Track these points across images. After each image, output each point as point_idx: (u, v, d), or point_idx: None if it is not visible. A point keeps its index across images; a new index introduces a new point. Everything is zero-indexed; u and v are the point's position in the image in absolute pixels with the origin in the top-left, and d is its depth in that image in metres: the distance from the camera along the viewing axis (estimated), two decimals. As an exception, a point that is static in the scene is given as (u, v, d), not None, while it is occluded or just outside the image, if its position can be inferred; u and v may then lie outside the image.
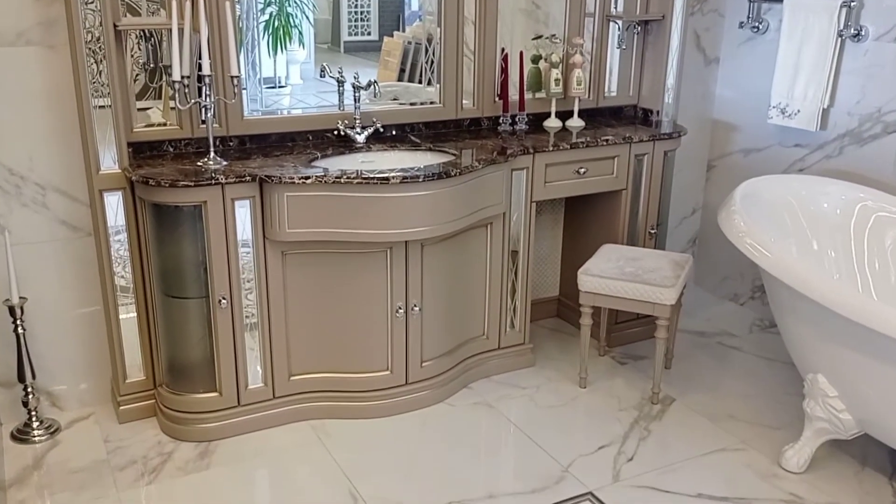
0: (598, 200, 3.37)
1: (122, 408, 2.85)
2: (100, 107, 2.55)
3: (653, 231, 3.42)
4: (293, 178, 2.55)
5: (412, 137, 3.14)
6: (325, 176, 2.57)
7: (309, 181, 2.55)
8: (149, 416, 2.88)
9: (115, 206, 2.66)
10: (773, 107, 3.50)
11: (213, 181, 2.52)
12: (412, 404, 2.95)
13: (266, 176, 2.55)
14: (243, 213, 2.61)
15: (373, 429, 2.85)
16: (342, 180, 2.56)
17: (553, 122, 3.39)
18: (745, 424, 2.91)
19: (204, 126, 2.77)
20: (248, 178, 2.56)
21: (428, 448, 2.75)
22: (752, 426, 2.90)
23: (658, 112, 3.51)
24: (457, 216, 2.76)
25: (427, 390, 2.98)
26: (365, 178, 2.56)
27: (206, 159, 2.68)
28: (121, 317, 2.76)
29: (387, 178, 2.56)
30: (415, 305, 2.85)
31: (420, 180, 2.60)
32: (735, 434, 2.85)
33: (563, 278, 3.73)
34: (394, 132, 3.14)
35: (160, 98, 2.80)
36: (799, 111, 3.40)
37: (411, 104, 3.24)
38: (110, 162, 2.62)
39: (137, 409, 2.86)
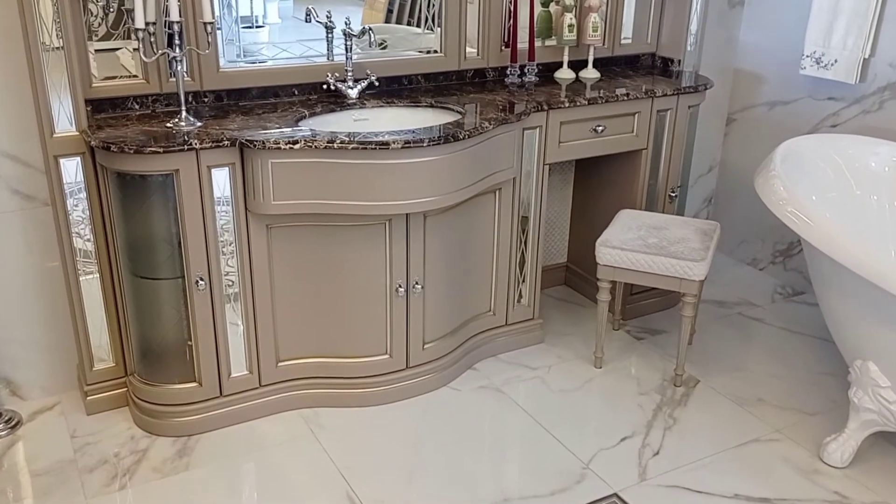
0: (613, 160, 3.05)
1: (89, 398, 2.55)
2: (54, 49, 2.18)
3: (673, 194, 3.12)
4: (279, 143, 2.21)
5: (411, 90, 2.80)
6: (315, 140, 2.23)
7: (297, 146, 2.22)
8: (120, 406, 2.58)
9: (73, 174, 2.31)
10: (807, 56, 3.17)
11: (186, 146, 2.18)
12: (413, 390, 2.68)
13: (247, 140, 2.22)
14: (221, 183, 2.27)
15: (370, 418, 2.58)
16: (335, 145, 2.22)
17: (565, 74, 3.06)
18: (777, 410, 2.66)
19: (173, 80, 2.42)
20: (226, 142, 2.22)
21: (432, 441, 2.49)
22: (784, 411, 2.65)
23: (679, 62, 3.18)
24: (464, 184, 2.44)
25: (430, 374, 2.70)
26: (362, 143, 2.23)
27: (177, 119, 2.33)
28: (84, 298, 2.43)
29: (387, 143, 2.23)
30: (416, 283, 2.55)
31: (424, 145, 2.27)
32: (767, 421, 2.60)
33: (572, 244, 3.44)
34: (390, 85, 2.80)
35: (129, 38, 2.43)
36: (836, 61, 3.08)
37: (402, 53, 2.89)
38: (66, 123, 2.27)
39: (107, 399, 2.57)
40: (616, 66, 3.24)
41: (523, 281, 2.90)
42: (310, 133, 2.30)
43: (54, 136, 2.26)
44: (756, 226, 3.58)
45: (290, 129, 2.34)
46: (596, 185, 3.23)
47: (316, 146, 2.22)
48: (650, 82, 3.02)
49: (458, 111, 2.61)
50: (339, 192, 2.29)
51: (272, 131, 2.30)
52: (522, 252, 2.86)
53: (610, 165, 3.09)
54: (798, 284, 3.49)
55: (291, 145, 2.21)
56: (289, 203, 2.29)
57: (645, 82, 3.01)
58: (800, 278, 3.49)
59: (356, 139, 2.23)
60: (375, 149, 2.23)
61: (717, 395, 2.74)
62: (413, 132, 2.33)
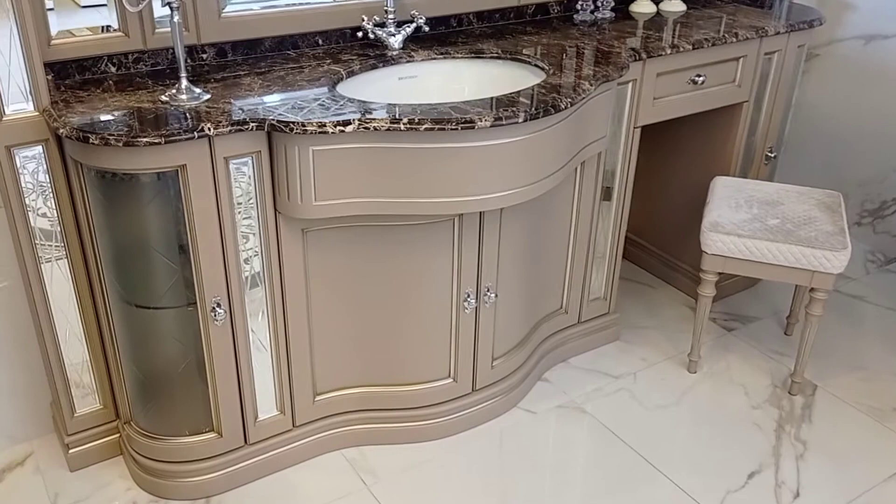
0: (696, 114, 2.48)
1: (72, 451, 1.97)
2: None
3: (771, 154, 2.59)
4: (324, 126, 1.60)
5: (463, 34, 2.18)
6: (374, 120, 1.62)
7: (349, 128, 1.61)
8: (113, 456, 2.02)
9: (34, 170, 1.68)
10: (928, -19, 2.62)
11: (197, 132, 1.56)
12: (481, 417, 2.16)
13: (279, 122, 1.60)
14: (244, 179, 1.67)
15: (433, 457, 2.06)
16: (402, 125, 1.62)
17: (644, 7, 2.47)
18: (921, 423, 2.22)
19: (161, 32, 1.79)
20: (251, 124, 1.60)
21: (518, 486, 1.98)
22: (929, 425, 2.21)
23: (773, -12, 2.60)
24: (557, 166, 1.86)
25: (499, 396, 2.18)
26: (437, 122, 1.63)
27: (174, 91, 1.70)
28: (58, 329, 1.83)
29: (472, 122, 1.63)
30: (488, 290, 1.99)
31: (520, 121, 1.68)
32: (915, 441, 2.15)
33: (634, 212, 2.86)
34: (436, 28, 2.18)
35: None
36: (969, -12, 2.53)
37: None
38: (20, 98, 1.63)
39: (95, 451, 2.00)
40: (695, -5, 2.65)
41: (603, 271, 2.37)
42: (362, 108, 1.68)
43: (4, 118, 1.61)
44: (838, 181, 3.06)
45: (328, 97, 1.72)
46: (667, 145, 2.66)
47: (375, 128, 1.61)
48: (746, 15, 2.44)
49: (537, 65, 2.01)
50: (401, 186, 1.69)
51: (309, 105, 1.68)
52: (604, 236, 2.32)
53: (690, 120, 2.52)
54: (891, 250, 3.02)
55: (342, 127, 1.60)
56: (335, 203, 1.69)
57: (740, 15, 2.43)
58: (893, 242, 3.01)
59: (430, 117, 1.63)
60: (457, 129, 1.63)
61: (843, 405, 2.27)
62: (507, 104, 1.73)
